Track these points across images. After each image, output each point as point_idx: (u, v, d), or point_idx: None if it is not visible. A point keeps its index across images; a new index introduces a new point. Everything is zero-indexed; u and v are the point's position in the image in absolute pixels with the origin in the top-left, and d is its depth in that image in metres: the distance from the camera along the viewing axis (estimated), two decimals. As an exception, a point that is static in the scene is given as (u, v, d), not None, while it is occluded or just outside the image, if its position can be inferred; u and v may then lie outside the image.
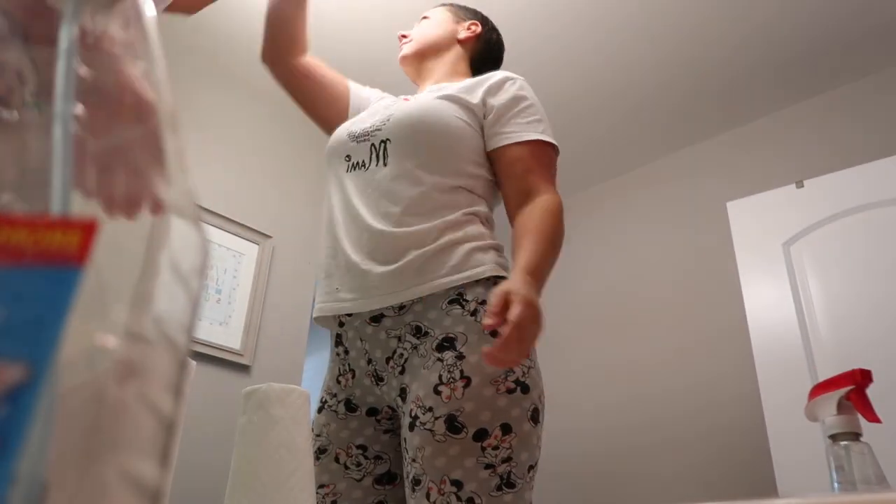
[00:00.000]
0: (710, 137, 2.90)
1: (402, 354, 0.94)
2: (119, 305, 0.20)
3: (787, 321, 2.17)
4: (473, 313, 0.92)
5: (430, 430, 0.84)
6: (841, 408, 0.90)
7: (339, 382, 1.03)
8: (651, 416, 2.58)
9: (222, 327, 2.28)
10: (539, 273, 0.90)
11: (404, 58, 1.27)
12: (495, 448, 0.82)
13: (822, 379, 2.03)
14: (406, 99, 1.16)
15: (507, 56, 1.40)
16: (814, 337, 2.11)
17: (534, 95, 1.13)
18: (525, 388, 0.88)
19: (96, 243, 0.18)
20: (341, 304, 0.99)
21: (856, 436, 0.87)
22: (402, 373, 0.94)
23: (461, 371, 0.86)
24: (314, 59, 1.29)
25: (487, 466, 0.81)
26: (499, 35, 1.33)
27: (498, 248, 1.03)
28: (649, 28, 2.36)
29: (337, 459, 0.99)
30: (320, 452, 1.01)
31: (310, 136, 2.93)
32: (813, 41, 2.37)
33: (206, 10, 2.30)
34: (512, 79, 1.13)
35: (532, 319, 0.80)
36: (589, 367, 2.88)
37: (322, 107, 1.27)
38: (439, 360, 0.89)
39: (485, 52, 1.30)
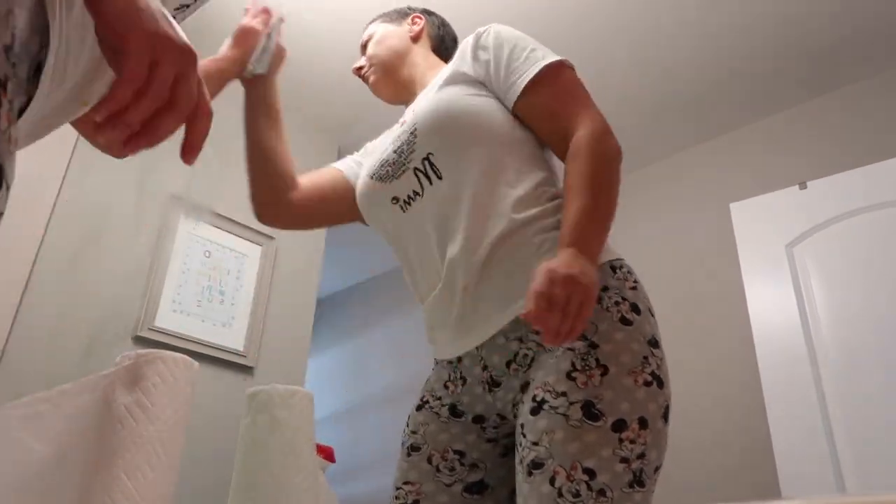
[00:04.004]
0: (713, 139, 2.90)
1: (526, 354, 0.88)
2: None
3: (791, 322, 2.17)
4: (598, 301, 0.86)
5: (564, 415, 0.79)
6: None
7: (446, 388, 0.99)
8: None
9: (225, 328, 2.28)
10: (580, 239, 0.82)
11: (375, 84, 1.21)
12: (632, 442, 0.77)
13: (824, 380, 2.04)
14: (403, 122, 1.10)
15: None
16: (817, 338, 2.10)
17: (512, 31, 1.04)
18: (660, 383, 0.82)
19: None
20: (466, 342, 0.95)
21: None
22: (527, 370, 0.89)
23: (596, 360, 0.81)
24: (304, 179, 1.20)
25: (623, 460, 0.77)
26: (440, 17, 1.29)
27: None
28: (652, 32, 2.36)
29: (429, 460, 0.96)
30: (412, 450, 0.98)
31: (313, 138, 2.93)
32: (817, 43, 2.36)
33: (211, 13, 2.31)
34: (484, 31, 1.06)
35: (556, 283, 0.74)
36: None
37: (343, 211, 1.19)
38: (569, 349, 0.83)
39: (442, 36, 1.26)
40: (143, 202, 2.25)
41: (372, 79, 1.21)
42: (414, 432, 1.00)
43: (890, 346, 1.94)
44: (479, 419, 0.96)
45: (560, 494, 0.75)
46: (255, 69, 1.13)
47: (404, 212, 1.01)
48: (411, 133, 1.01)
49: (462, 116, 0.97)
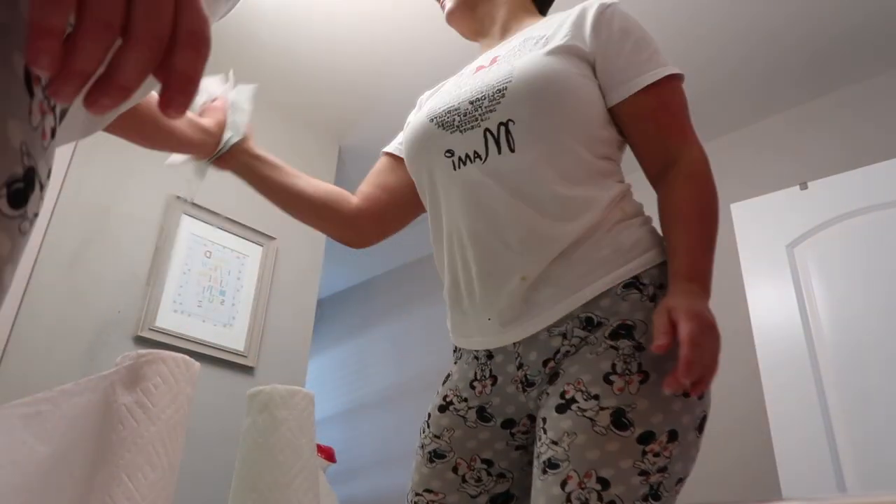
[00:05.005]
0: (714, 139, 2.90)
1: (567, 352, 0.82)
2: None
3: (791, 323, 2.17)
4: (653, 298, 0.81)
5: (591, 419, 0.75)
6: None
7: (472, 388, 0.92)
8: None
9: (226, 329, 2.28)
10: (700, 274, 0.79)
11: (451, 14, 1.10)
12: (656, 455, 0.74)
13: (824, 379, 2.04)
14: (481, 68, 0.97)
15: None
16: (817, 339, 2.10)
17: (637, 21, 0.96)
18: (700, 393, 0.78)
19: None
20: (509, 335, 0.86)
21: None
22: (560, 363, 0.83)
23: (639, 364, 0.76)
24: (364, 185, 1.13)
25: (642, 473, 0.73)
26: None
27: (650, 221, 0.93)
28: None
29: (455, 470, 0.90)
30: (436, 456, 0.91)
31: (313, 138, 2.94)
32: (818, 43, 2.37)
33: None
34: (608, 8, 0.96)
35: (704, 332, 0.72)
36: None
37: (416, 192, 1.05)
38: (613, 347, 0.78)
39: None
40: (144, 202, 2.25)
41: (449, 6, 1.11)
42: (437, 437, 0.93)
43: (890, 345, 1.94)
44: (508, 423, 0.91)
45: (568, 500, 0.73)
46: (231, 140, 1.06)
47: (455, 169, 0.90)
48: (499, 90, 0.87)
49: (564, 96, 0.86)
